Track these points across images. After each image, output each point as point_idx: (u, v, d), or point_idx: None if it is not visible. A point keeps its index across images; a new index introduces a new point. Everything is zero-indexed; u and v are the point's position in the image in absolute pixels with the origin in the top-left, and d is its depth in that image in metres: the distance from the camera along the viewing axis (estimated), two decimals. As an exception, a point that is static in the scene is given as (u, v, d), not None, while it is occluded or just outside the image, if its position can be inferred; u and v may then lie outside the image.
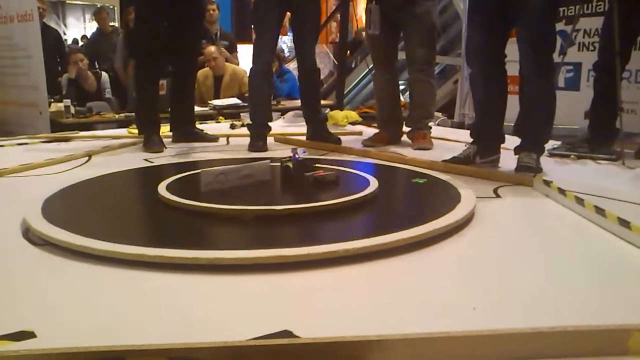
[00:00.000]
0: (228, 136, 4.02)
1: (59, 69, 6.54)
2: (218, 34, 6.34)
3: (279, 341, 1.10)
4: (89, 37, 8.86)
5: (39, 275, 1.55)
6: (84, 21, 13.71)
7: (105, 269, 1.55)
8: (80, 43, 10.55)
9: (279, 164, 2.44)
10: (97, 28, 7.23)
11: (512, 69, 2.77)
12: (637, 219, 1.79)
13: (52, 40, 6.47)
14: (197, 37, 3.85)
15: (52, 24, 7.99)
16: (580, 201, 2.07)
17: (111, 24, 9.18)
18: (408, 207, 2.35)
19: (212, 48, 5.86)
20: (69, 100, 5.24)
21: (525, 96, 2.73)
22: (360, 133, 4.13)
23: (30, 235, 1.83)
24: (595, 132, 3.27)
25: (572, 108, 3.91)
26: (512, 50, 2.73)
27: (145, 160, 3.18)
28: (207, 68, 5.99)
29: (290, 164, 2.30)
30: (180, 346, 1.03)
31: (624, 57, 3.12)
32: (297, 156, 2.33)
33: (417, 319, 1.26)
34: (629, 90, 4.16)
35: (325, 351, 1.05)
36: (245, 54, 6.11)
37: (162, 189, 2.19)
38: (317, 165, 2.43)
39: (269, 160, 2.34)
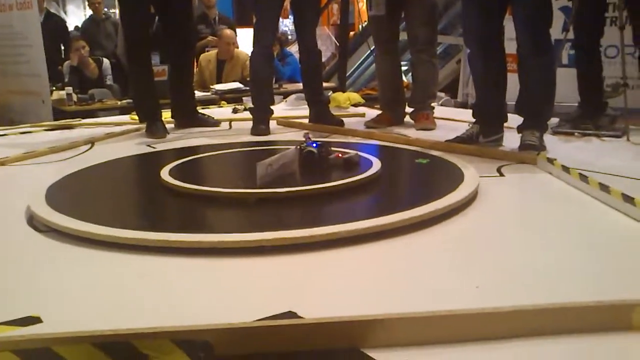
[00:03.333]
0: (230, 120, 4.01)
1: (62, 56, 6.52)
2: (216, 18, 6.31)
3: (282, 322, 1.11)
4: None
5: (44, 262, 1.56)
6: (84, 9, 13.64)
7: (109, 254, 1.55)
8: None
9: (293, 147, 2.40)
10: (90, 15, 7.17)
11: (512, 46, 2.75)
12: (642, 195, 1.78)
13: (56, 28, 6.43)
14: (189, 21, 3.82)
15: (54, 12, 7.95)
16: (584, 178, 2.06)
17: (112, 10, 9.13)
18: (411, 188, 2.35)
19: (229, 31, 5.84)
20: (71, 88, 5.24)
21: (524, 74, 2.71)
22: (363, 115, 4.11)
23: (34, 222, 1.84)
24: (585, 108, 3.27)
25: (576, 85, 3.87)
26: (511, 28, 2.70)
27: (148, 146, 3.18)
28: (210, 52, 5.97)
29: (313, 149, 2.28)
30: (185, 328, 1.04)
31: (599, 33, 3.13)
32: (311, 141, 2.32)
33: (420, 298, 1.26)
34: (632, 66, 4.11)
35: (329, 331, 1.06)
36: (246, 38, 6.08)
37: (164, 174, 2.19)
38: (332, 148, 2.42)
39: (295, 147, 2.30)
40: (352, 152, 2.38)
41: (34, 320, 1.18)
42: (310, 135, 2.40)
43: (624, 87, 3.10)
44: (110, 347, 1.01)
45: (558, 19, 3.15)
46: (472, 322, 1.07)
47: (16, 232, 1.79)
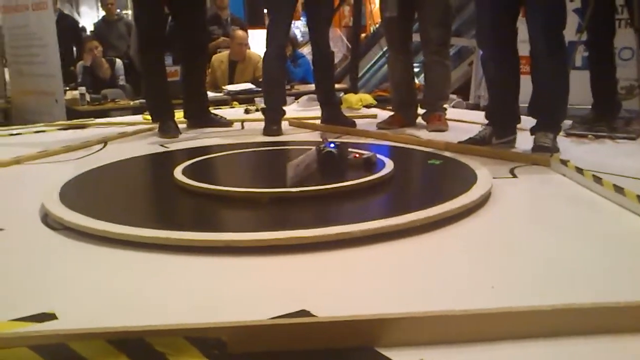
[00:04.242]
0: (242, 121, 4.02)
1: (74, 57, 6.57)
2: (229, 19, 6.33)
3: (296, 320, 1.11)
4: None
5: (59, 259, 1.57)
6: (98, 9, 13.73)
7: (123, 252, 1.56)
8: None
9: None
10: (103, 16, 7.21)
11: (525, 48, 2.74)
12: (657, 197, 1.76)
13: (70, 29, 6.48)
14: (202, 22, 3.84)
15: (66, 12, 8.01)
16: (598, 180, 2.05)
17: (124, 11, 9.18)
18: (424, 188, 2.35)
19: (241, 33, 5.87)
20: (84, 87, 5.28)
21: (537, 76, 2.70)
22: (374, 116, 4.10)
23: (48, 220, 1.85)
24: (598, 110, 3.26)
25: (590, 87, 3.85)
26: (523, 29, 2.70)
27: (161, 145, 3.19)
28: (222, 53, 5.99)
29: (332, 150, 2.28)
30: (199, 326, 1.04)
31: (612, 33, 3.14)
32: (329, 142, 2.32)
33: (434, 298, 1.26)
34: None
35: (342, 330, 1.06)
36: (258, 39, 6.09)
37: (178, 173, 2.20)
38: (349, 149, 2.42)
39: (315, 147, 2.31)
40: (369, 152, 2.38)
41: (49, 316, 1.18)
42: (327, 136, 2.40)
43: (638, 90, 3.08)
44: (125, 344, 1.02)
45: (572, 20, 3.14)
46: (487, 322, 1.06)
47: (30, 230, 1.80)
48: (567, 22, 2.67)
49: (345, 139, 3.15)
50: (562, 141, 2.85)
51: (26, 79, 5.53)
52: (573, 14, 3.47)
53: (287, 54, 5.08)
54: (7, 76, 6.24)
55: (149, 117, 3.93)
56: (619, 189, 1.90)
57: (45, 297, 1.30)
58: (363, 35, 8.36)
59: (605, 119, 3.18)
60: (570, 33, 2.76)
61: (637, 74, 3.11)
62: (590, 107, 3.34)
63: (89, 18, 13.23)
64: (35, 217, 1.89)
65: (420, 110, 3.72)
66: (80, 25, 9.35)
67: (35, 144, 3.28)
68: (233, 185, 2.05)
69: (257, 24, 7.36)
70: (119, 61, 5.98)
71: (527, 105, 2.81)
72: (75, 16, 11.31)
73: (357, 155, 2.32)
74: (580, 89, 3.26)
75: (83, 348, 1.01)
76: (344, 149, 2.31)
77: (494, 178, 2.14)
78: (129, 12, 9.53)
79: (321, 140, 2.36)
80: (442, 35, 3.51)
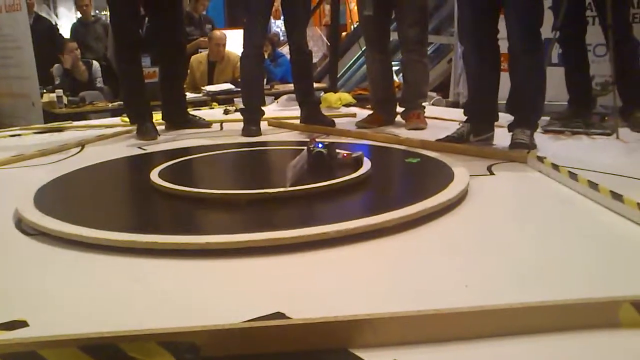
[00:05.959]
0: (222, 122, 4.00)
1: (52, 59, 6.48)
2: (202, 18, 6.33)
3: (270, 323, 1.10)
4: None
5: (32, 265, 1.55)
6: (76, 11, 13.58)
7: (97, 257, 1.55)
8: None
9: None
10: (79, 18, 7.11)
11: (504, 45, 2.76)
12: (630, 192, 1.78)
13: (46, 31, 6.40)
14: (179, 22, 3.81)
15: (44, 15, 7.90)
16: (573, 176, 2.07)
17: (104, 12, 9.08)
18: (402, 187, 2.35)
19: (218, 33, 5.85)
20: (62, 90, 5.22)
21: (514, 73, 2.73)
22: (354, 115, 4.11)
23: (22, 225, 1.82)
24: (574, 106, 3.30)
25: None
26: (502, 27, 2.72)
27: (139, 148, 3.17)
28: (201, 54, 5.96)
29: (322, 150, 2.28)
30: (172, 330, 1.03)
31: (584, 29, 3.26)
32: (317, 142, 2.32)
33: (409, 297, 1.26)
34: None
35: (317, 332, 1.05)
36: (236, 39, 6.07)
37: (154, 175, 2.18)
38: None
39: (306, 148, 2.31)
40: (358, 152, 2.38)
41: (20, 324, 1.17)
42: (315, 137, 2.41)
43: (612, 86, 3.12)
44: (96, 350, 1.01)
45: (548, 18, 3.16)
46: (460, 321, 1.07)
47: (4, 236, 1.78)
48: (544, 19, 2.69)
49: (324, 139, 3.14)
50: (540, 137, 2.88)
51: (1, 81, 5.45)
52: (549, 11, 3.48)
53: (267, 53, 5.07)
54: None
55: (127, 119, 3.90)
56: (593, 185, 1.92)
57: (17, 304, 1.28)
58: (344, 33, 8.37)
59: (581, 115, 3.21)
60: (546, 30, 2.78)
61: (611, 71, 3.14)
62: (566, 103, 3.37)
63: (67, 19, 13.08)
64: (9, 222, 1.87)
65: (400, 109, 3.73)
66: (58, 27, 9.25)
67: (11, 147, 3.24)
68: (211, 187, 2.04)
69: (237, 24, 7.33)
70: (95, 63, 5.91)
71: (505, 102, 2.83)
72: (53, 18, 11.17)
73: (346, 155, 2.32)
74: (556, 85, 3.29)
75: (54, 356, 1.00)
76: (333, 149, 2.32)
77: (471, 176, 2.15)
78: (107, 13, 9.44)
79: (309, 140, 2.36)
80: (419, 34, 3.52)
